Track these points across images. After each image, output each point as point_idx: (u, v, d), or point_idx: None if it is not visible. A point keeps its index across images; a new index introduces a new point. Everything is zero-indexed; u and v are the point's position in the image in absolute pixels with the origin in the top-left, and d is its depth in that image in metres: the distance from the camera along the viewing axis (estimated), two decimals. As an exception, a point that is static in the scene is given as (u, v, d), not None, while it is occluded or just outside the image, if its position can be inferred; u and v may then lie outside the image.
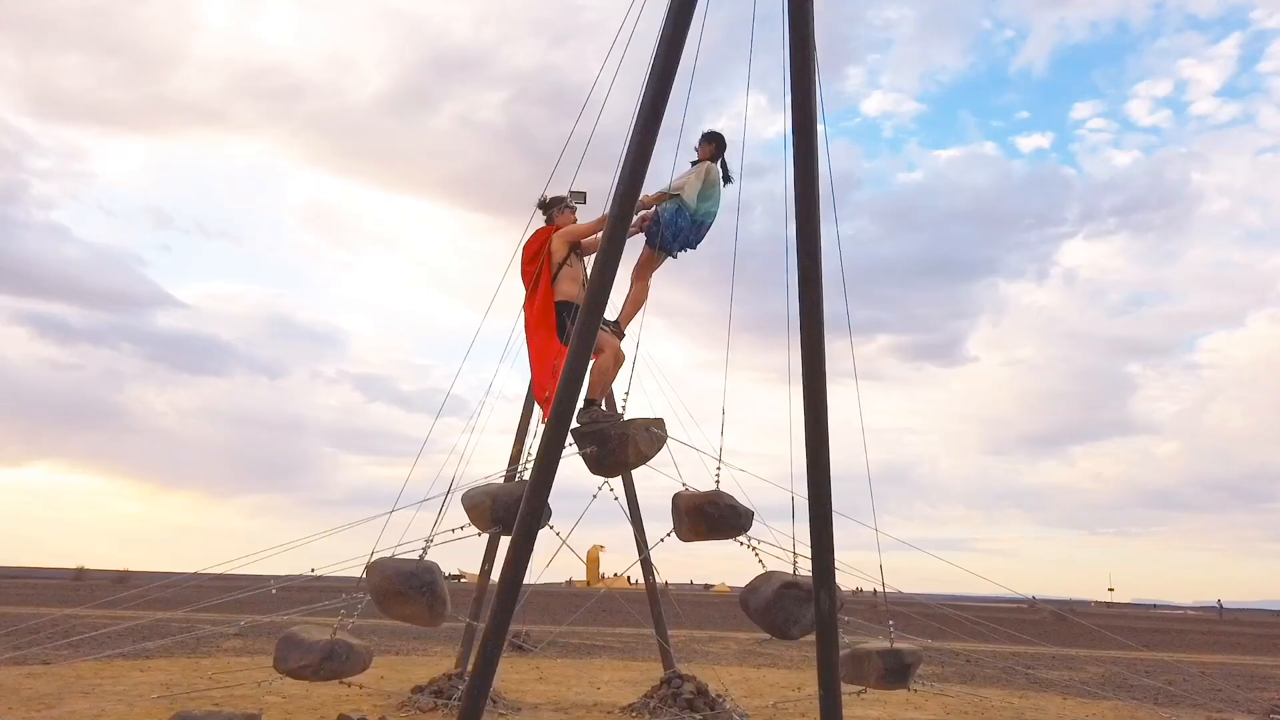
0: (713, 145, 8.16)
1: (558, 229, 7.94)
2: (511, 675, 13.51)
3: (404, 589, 7.04)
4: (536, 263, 7.85)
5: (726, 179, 8.36)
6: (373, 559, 7.16)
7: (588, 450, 7.57)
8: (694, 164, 8.06)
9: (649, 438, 7.61)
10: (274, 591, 8.23)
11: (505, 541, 6.89)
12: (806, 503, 6.39)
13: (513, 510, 7.33)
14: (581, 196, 11.96)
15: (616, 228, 5.07)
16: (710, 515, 7.62)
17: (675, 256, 8.28)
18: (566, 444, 7.75)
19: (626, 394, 7.94)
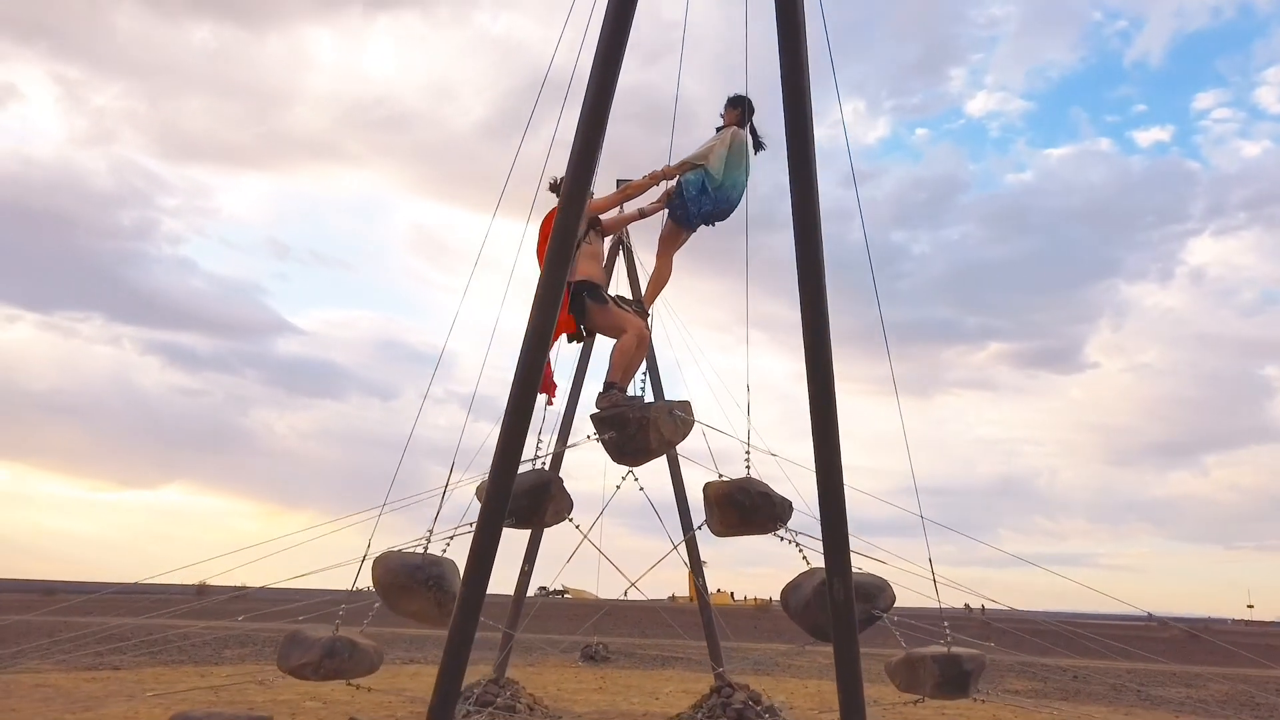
0: (738, 110, 7.57)
1: None
2: (571, 684, 13.04)
3: (409, 583, 6.61)
4: None
5: (758, 145, 7.75)
6: (369, 554, 6.80)
7: (606, 436, 7.07)
8: (719, 130, 7.48)
9: (673, 422, 7.05)
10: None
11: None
12: (846, 495, 5.74)
13: (523, 501, 6.86)
14: None
15: (574, 185, 4.55)
16: (741, 504, 7.01)
17: (697, 228, 7.73)
18: (589, 433, 7.32)
19: (644, 376, 7.42)
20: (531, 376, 4.55)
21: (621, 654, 19.33)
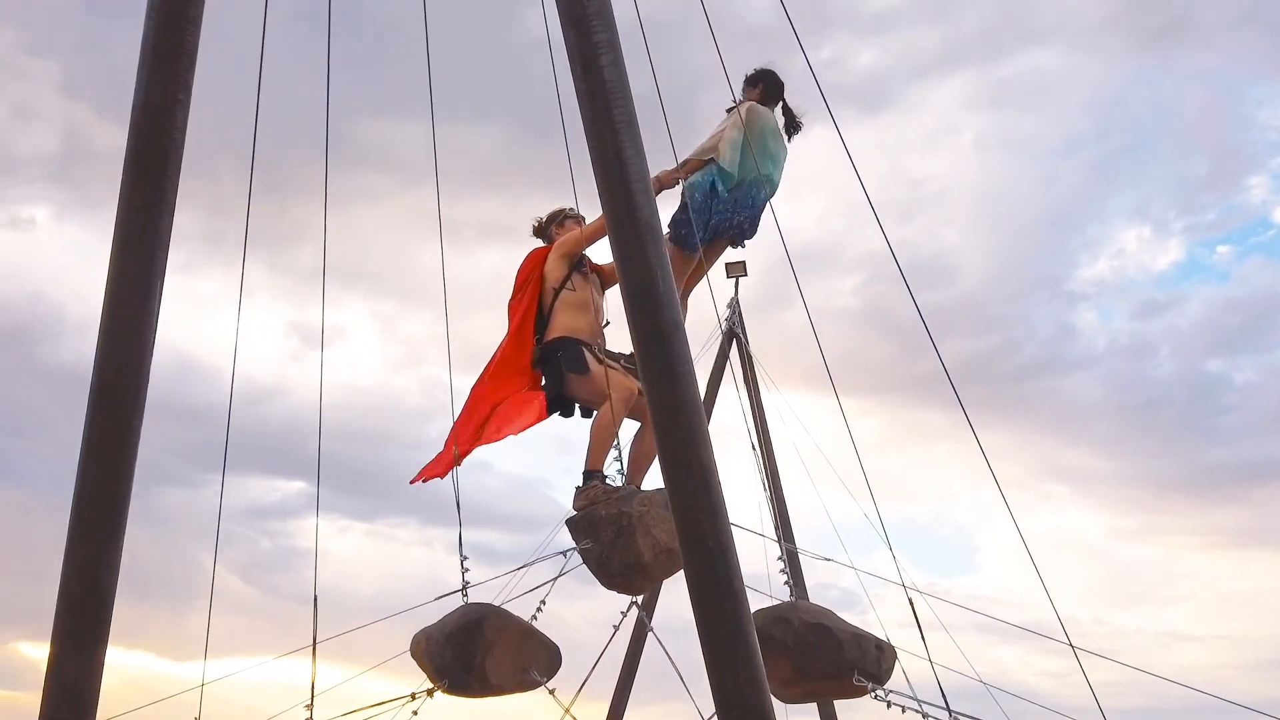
0: (759, 88, 5.52)
1: None
2: None
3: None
4: (525, 291, 5.47)
5: (793, 127, 5.60)
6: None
7: (583, 545, 4.85)
8: (730, 111, 5.39)
9: (670, 520, 4.65)
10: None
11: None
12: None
13: (447, 654, 4.67)
14: (741, 267, 9.39)
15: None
16: (784, 645, 4.47)
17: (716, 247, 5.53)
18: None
19: (618, 451, 5.06)
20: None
21: None
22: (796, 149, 5.62)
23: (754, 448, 4.91)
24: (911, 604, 3.98)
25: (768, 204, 5.34)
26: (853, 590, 6.27)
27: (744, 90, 5.49)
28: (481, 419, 4.90)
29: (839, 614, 4.70)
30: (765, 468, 7.21)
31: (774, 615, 4.47)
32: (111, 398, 2.54)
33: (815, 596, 6.32)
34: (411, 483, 4.87)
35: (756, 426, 7.32)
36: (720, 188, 5.26)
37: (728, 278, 8.41)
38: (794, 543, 5.62)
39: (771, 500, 7.65)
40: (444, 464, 4.79)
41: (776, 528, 4.41)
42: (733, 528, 4.88)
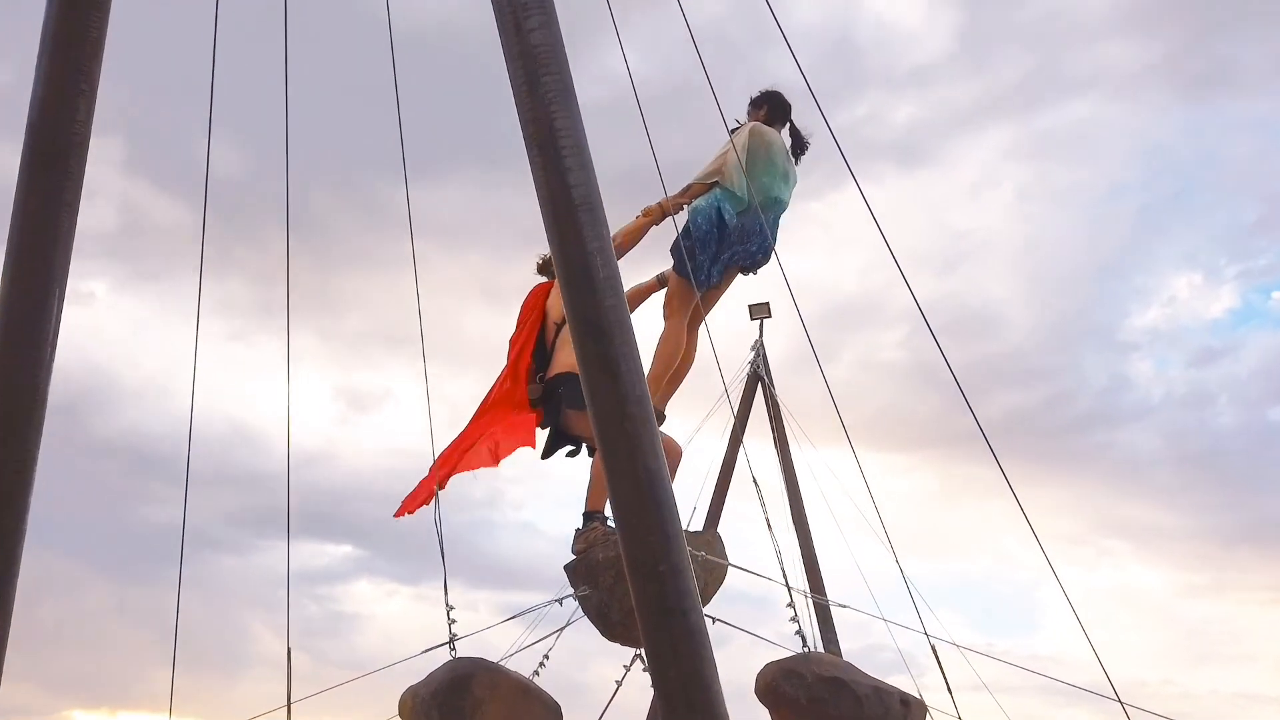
0: (764, 109, 5.29)
1: None
2: None
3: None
4: (525, 326, 5.28)
5: (800, 147, 5.35)
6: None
7: (581, 591, 4.55)
8: (733, 132, 5.14)
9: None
10: None
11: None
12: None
13: (434, 714, 4.34)
14: (765, 309, 9.10)
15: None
16: (795, 703, 4.07)
17: (722, 280, 5.23)
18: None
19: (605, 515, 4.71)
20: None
21: None
22: (838, 203, 5.35)
23: (755, 482, 4.53)
24: (935, 653, 3.56)
25: (779, 228, 5.08)
26: (908, 653, 5.76)
27: (749, 112, 5.29)
28: (466, 450, 4.67)
29: (888, 679, 4.28)
30: (790, 513, 6.82)
31: (785, 669, 4.07)
32: (2, 424, 2.31)
33: (866, 659, 5.88)
34: (396, 516, 4.64)
35: (782, 470, 6.94)
36: (727, 212, 4.99)
37: (751, 319, 8.11)
38: (824, 594, 5.17)
39: (786, 545, 7.24)
40: (426, 492, 4.57)
41: (782, 570, 3.99)
42: (742, 572, 4.54)
